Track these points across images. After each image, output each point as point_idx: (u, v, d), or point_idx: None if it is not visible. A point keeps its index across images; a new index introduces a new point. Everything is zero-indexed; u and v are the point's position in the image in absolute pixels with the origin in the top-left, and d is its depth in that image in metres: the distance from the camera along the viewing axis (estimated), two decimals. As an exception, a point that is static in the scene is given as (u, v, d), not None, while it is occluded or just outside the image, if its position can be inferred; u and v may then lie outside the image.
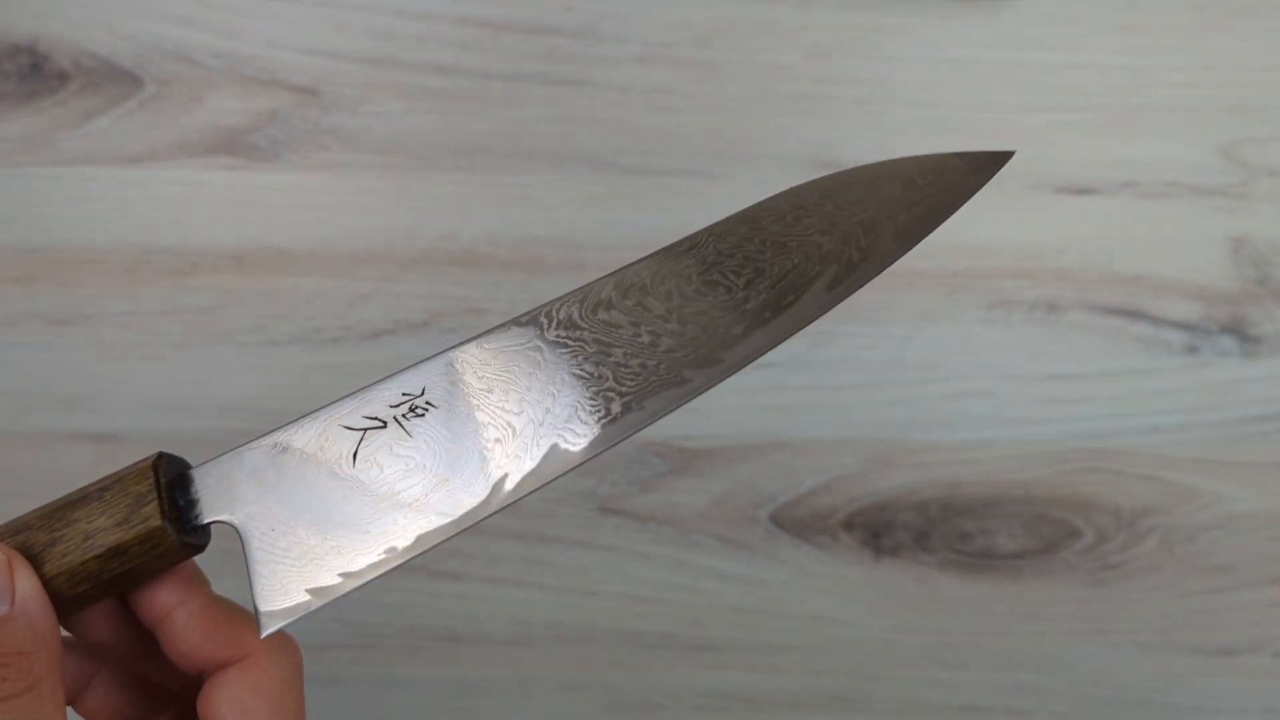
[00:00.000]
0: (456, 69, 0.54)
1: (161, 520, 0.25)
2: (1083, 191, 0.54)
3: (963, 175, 0.27)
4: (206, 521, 0.26)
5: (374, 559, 0.24)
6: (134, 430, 0.53)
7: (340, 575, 0.24)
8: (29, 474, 0.53)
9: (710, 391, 0.24)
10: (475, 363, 0.24)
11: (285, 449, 0.25)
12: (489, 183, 0.54)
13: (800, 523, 0.54)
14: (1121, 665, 0.54)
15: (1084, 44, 0.54)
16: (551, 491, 0.54)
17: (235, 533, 0.26)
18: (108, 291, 0.53)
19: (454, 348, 0.25)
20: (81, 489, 0.26)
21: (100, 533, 0.25)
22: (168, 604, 0.26)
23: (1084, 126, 0.54)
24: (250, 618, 0.26)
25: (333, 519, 0.24)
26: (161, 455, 0.27)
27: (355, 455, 0.24)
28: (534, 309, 0.25)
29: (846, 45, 0.54)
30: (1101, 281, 0.54)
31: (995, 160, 0.28)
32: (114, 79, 0.54)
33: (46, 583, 0.24)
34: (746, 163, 0.54)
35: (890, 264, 0.26)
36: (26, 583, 0.23)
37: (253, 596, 0.25)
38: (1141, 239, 0.54)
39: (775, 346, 0.24)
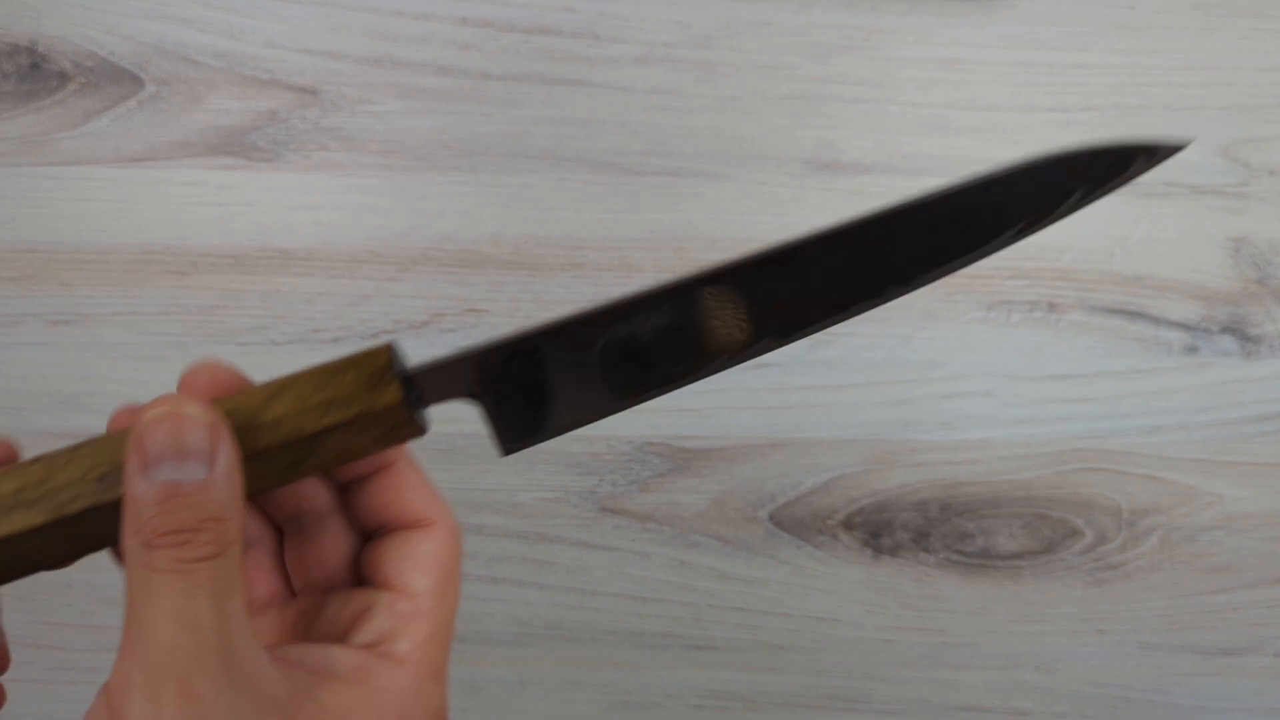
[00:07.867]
0: (456, 69, 0.54)
1: (420, 429, 0.27)
2: (1083, 191, 0.54)
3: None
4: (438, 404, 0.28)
5: (592, 410, 0.28)
6: (134, 430, 0.53)
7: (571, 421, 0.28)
8: (29, 474, 0.53)
9: (710, 391, 0.27)
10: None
11: (519, 351, 0.28)
12: (489, 183, 0.54)
13: (800, 523, 0.54)
14: (1121, 665, 0.54)
15: (1084, 44, 0.54)
16: (551, 491, 0.54)
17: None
18: (108, 291, 0.53)
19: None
20: (316, 385, 0.26)
21: (358, 449, 0.26)
22: (383, 459, 0.28)
23: (1084, 126, 0.54)
24: (435, 492, 0.28)
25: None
26: (394, 352, 0.27)
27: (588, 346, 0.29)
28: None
29: (846, 45, 0.54)
30: (1101, 281, 0.54)
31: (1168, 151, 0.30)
32: (114, 79, 0.54)
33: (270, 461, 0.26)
34: (746, 163, 0.54)
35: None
36: (227, 454, 0.24)
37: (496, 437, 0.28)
38: (1141, 239, 0.54)
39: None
